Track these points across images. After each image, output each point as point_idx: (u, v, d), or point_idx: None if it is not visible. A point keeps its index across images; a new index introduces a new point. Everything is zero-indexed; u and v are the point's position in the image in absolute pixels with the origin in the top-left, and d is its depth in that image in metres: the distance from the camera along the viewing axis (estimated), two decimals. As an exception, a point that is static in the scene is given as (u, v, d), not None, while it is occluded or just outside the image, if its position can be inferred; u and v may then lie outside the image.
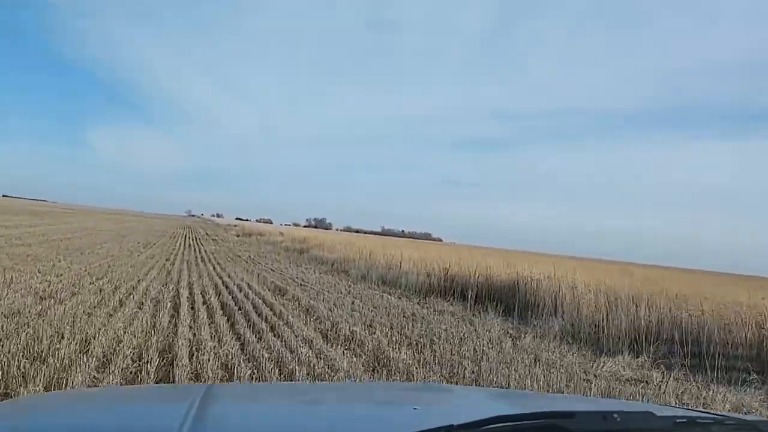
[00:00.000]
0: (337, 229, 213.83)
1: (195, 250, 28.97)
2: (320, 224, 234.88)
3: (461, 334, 10.32)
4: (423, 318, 11.94)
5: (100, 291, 11.03)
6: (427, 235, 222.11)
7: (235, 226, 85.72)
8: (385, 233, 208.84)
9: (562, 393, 6.67)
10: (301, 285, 16.57)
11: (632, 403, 5.19)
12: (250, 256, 27.35)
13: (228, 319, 9.36)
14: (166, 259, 21.03)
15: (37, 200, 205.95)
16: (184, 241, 36.15)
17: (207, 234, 52.82)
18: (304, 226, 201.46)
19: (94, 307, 9.29)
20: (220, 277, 16.41)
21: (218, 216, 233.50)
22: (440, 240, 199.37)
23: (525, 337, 10.48)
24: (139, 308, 9.70)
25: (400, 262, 21.53)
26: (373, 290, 17.09)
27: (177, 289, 12.60)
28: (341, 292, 15.54)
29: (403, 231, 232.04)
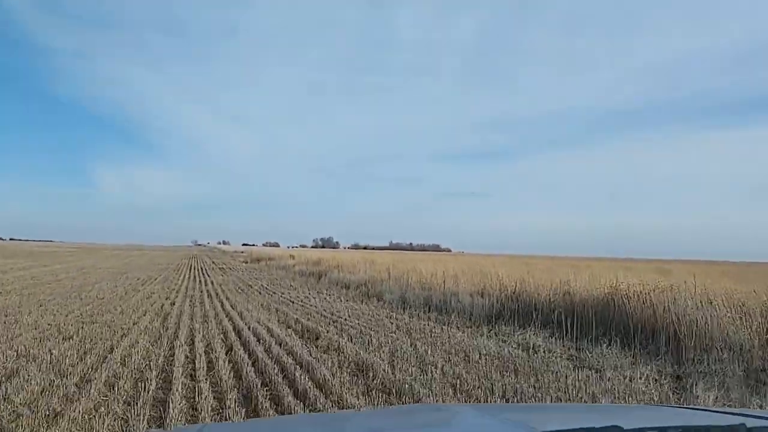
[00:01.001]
0: (344, 247, 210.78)
1: (201, 282, 25.46)
2: (327, 243, 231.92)
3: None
4: (532, 367, 8.21)
5: (56, 364, 7.46)
6: (435, 246, 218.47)
7: (243, 252, 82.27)
8: (393, 248, 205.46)
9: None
10: (332, 321, 13.03)
11: (629, 406, 4.40)
12: (262, 285, 23.79)
13: (246, 406, 5.79)
14: (166, 298, 17.50)
15: (43, 241, 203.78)
16: (189, 273, 32.65)
17: (214, 263, 49.34)
18: (312, 247, 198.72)
19: (32, 401, 5.73)
20: (231, 319, 12.85)
21: (224, 243, 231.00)
22: (449, 250, 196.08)
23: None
24: (110, 390, 6.16)
25: (444, 281, 17.93)
26: (424, 321, 13.52)
27: (172, 345, 9.06)
28: (387, 328, 11.96)
29: (411, 244, 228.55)
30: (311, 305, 16.21)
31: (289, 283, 25.72)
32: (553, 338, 10.58)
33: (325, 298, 18.37)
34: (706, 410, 1.78)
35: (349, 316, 13.86)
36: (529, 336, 10.76)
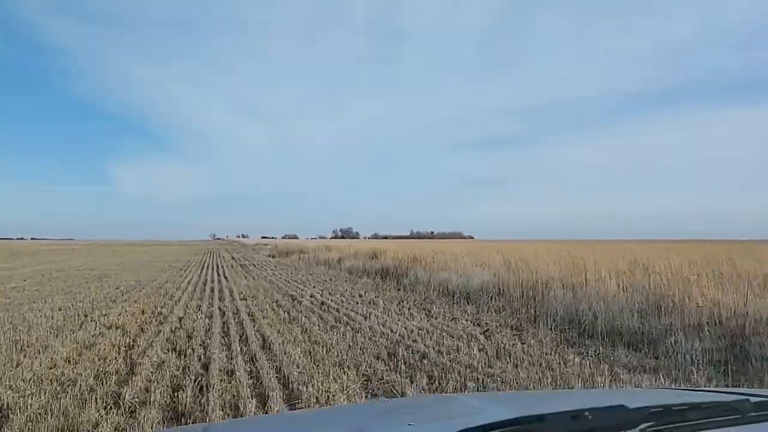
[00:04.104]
0: (364, 237, 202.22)
1: (214, 291, 15.65)
2: (347, 234, 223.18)
3: None
4: None
5: None
6: (458, 234, 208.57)
7: (266, 245, 72.46)
8: (414, 236, 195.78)
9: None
10: None
11: (632, 390, 4.46)
12: (316, 298, 13.92)
13: None
14: (127, 347, 7.73)
15: (63, 240, 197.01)
16: (200, 274, 22.90)
17: (234, 258, 39.54)
18: (331, 238, 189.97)
19: None
20: None
21: (243, 236, 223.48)
22: (472, 237, 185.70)
23: None
24: None
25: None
26: None
27: None
28: None
29: (432, 232, 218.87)
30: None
31: (352, 289, 15.83)
32: None
33: (508, 349, 8.48)
34: (708, 390, 1.81)
35: None
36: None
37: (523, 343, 7.60)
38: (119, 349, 7.56)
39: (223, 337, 8.40)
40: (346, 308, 11.58)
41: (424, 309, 11.39)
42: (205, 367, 6.44)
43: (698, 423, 1.04)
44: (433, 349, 7.27)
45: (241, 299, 13.44)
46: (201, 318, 10.32)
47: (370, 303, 12.49)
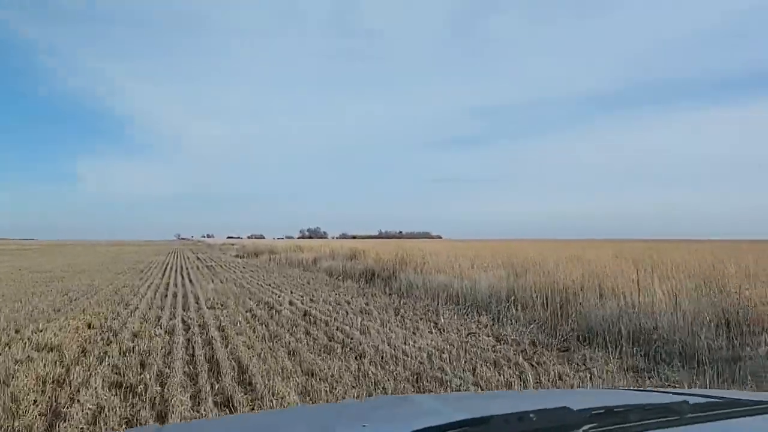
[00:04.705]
0: (333, 237, 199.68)
1: (177, 297, 13.57)
2: (315, 234, 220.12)
3: None
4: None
5: None
6: (426, 233, 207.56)
7: (233, 244, 69.56)
8: (383, 236, 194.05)
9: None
10: None
11: (575, 391, 4.51)
12: (298, 307, 12.03)
13: None
14: (57, 382, 5.73)
15: (24, 240, 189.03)
16: (163, 276, 20.64)
17: (199, 259, 37.06)
18: (298, 238, 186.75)
19: None
20: None
21: (209, 236, 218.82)
22: (440, 237, 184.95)
23: None
24: None
25: None
26: None
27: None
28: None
29: (400, 232, 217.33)
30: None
31: (337, 295, 13.98)
32: None
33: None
34: (648, 391, 1.96)
35: None
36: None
37: (580, 371, 5.87)
38: (44, 385, 5.55)
39: (187, 364, 6.44)
40: (336, 320, 9.71)
41: (429, 320, 9.61)
42: (161, 418, 4.51)
43: (638, 424, 1.05)
44: (472, 383, 5.47)
45: (208, 308, 11.42)
46: (160, 335, 8.31)
47: (362, 312, 10.64)
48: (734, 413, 1.16)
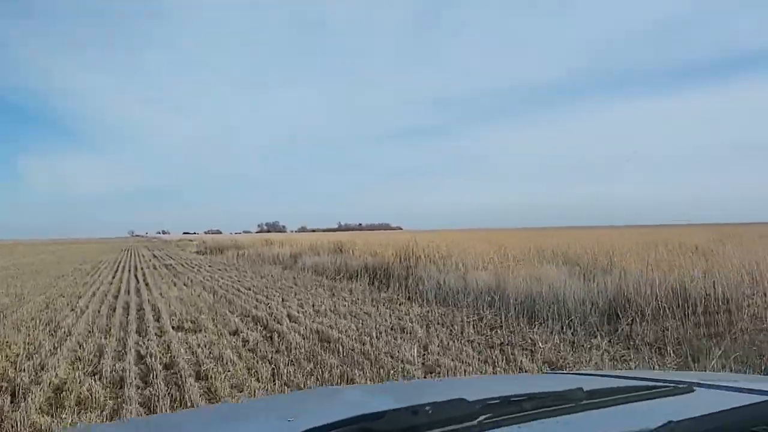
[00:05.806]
0: (291, 231, 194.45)
1: (129, 310, 9.99)
2: (273, 228, 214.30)
3: None
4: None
5: None
6: (385, 225, 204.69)
7: (191, 240, 64.64)
8: (342, 229, 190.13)
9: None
10: None
11: (475, 378, 4.54)
12: (304, 324, 8.68)
13: None
14: None
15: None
16: (112, 279, 16.80)
17: (156, 257, 32.79)
18: (257, 232, 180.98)
19: None
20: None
21: (164, 233, 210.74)
22: (400, 228, 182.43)
23: None
24: None
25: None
26: None
27: None
28: None
29: (360, 224, 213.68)
30: None
31: (350, 303, 10.71)
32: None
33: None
34: (547, 374, 1.95)
35: None
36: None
37: None
38: None
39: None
40: (375, 346, 6.42)
41: (520, 347, 6.41)
42: None
43: (534, 413, 1.04)
44: None
45: (175, 329, 7.95)
46: (98, 390, 4.84)
47: (401, 330, 7.37)
48: (630, 398, 1.15)
